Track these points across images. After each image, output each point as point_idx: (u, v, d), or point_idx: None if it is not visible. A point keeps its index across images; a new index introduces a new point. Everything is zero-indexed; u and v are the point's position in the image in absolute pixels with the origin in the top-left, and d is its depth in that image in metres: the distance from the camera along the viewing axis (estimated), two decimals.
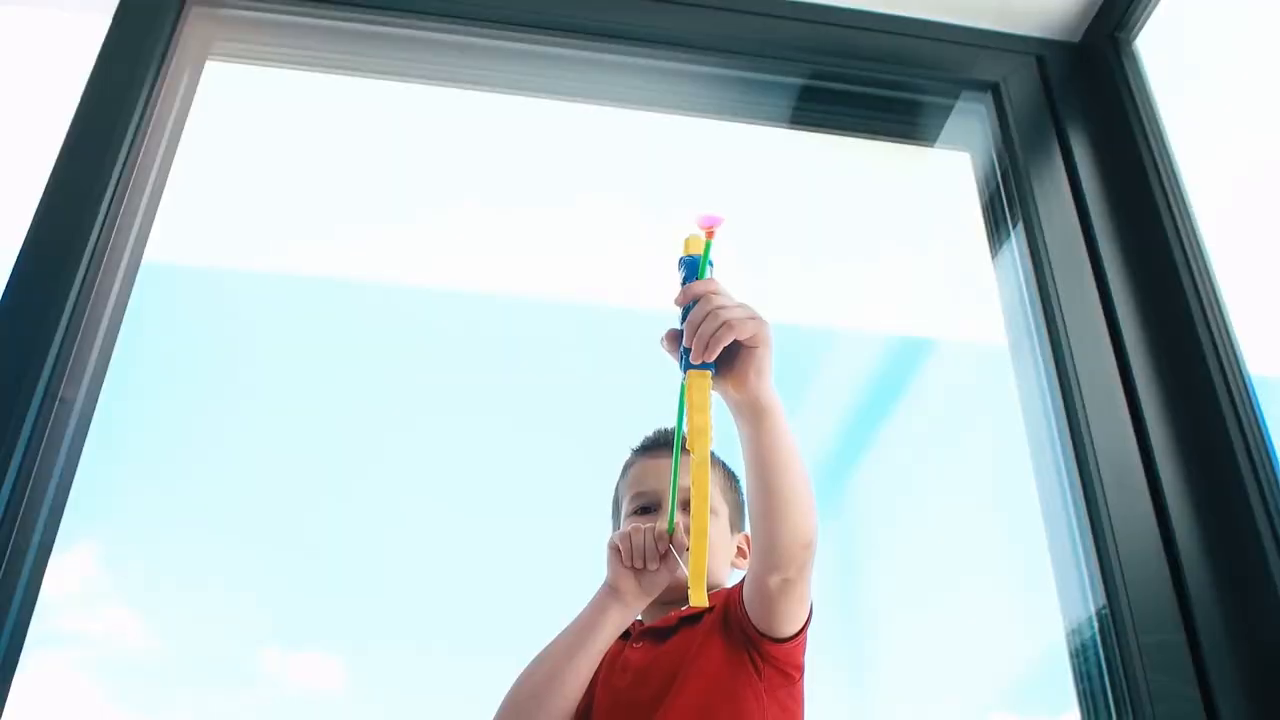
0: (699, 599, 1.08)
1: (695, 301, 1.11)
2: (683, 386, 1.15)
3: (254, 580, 2.56)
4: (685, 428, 1.10)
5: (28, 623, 1.42)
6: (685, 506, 1.43)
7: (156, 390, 2.22)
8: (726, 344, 1.09)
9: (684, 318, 1.12)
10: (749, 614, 1.28)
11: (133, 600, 2.51)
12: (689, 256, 1.16)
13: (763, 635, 1.27)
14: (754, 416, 1.14)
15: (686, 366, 1.11)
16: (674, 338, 1.13)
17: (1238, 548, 1.54)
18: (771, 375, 1.13)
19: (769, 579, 1.21)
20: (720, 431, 1.13)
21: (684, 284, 1.14)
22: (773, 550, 1.19)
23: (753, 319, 1.10)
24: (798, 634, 1.27)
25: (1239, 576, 1.52)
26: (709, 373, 1.11)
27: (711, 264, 1.15)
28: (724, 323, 1.08)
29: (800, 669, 1.31)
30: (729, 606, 1.34)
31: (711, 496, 1.45)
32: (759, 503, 1.18)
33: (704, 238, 1.16)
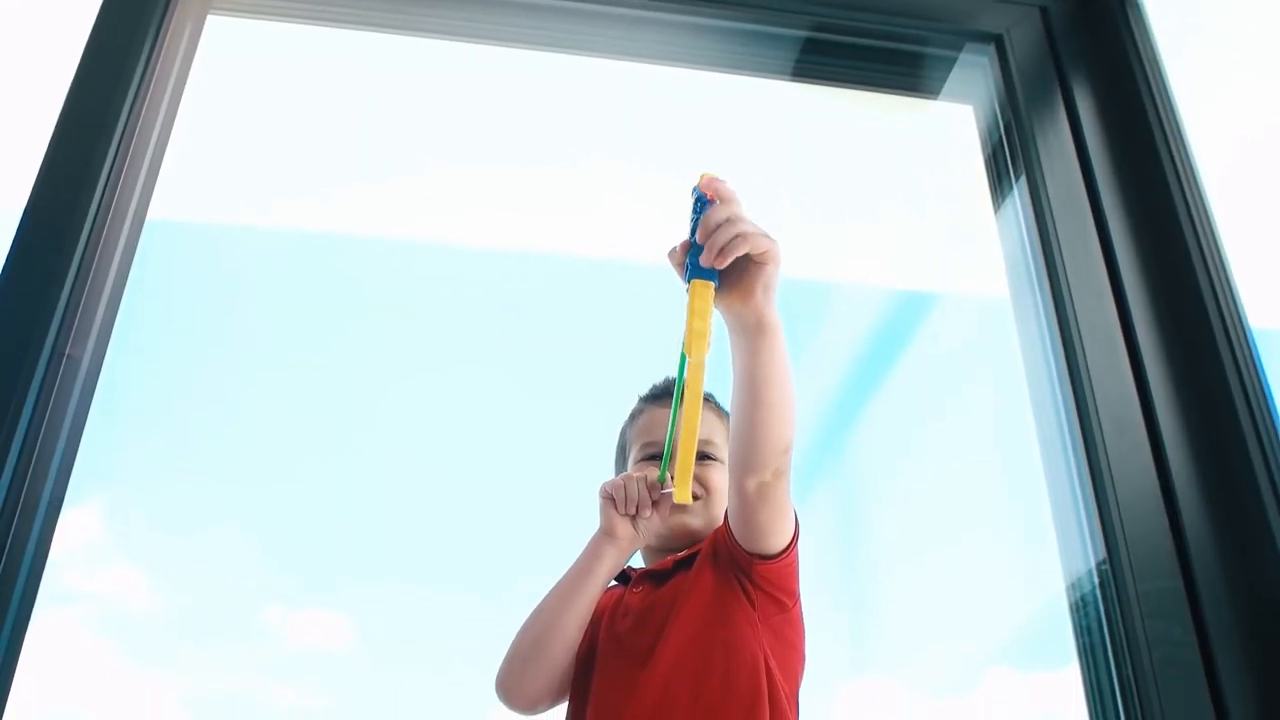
0: (684, 497, 1.11)
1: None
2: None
3: (258, 538, 2.57)
4: (685, 333, 1.12)
5: (39, 580, 1.43)
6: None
7: (160, 348, 2.22)
8: (739, 254, 1.11)
9: (694, 235, 1.15)
10: (734, 533, 1.30)
11: (138, 558, 2.52)
12: (700, 191, 1.18)
13: (751, 555, 1.29)
14: (755, 333, 1.17)
15: (691, 276, 1.13)
16: (686, 248, 1.15)
17: (1236, 498, 1.55)
18: (776, 294, 1.16)
19: (747, 482, 1.23)
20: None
21: (695, 213, 1.16)
22: (752, 454, 1.22)
23: (766, 236, 1.12)
24: (785, 552, 1.29)
25: (1237, 526, 1.54)
26: (712, 284, 1.13)
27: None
28: (739, 234, 1.10)
29: (793, 595, 1.33)
30: (717, 537, 1.36)
31: (719, 447, 1.48)
32: (746, 412, 1.21)
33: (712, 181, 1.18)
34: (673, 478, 1.43)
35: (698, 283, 1.13)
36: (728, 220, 1.11)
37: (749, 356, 1.18)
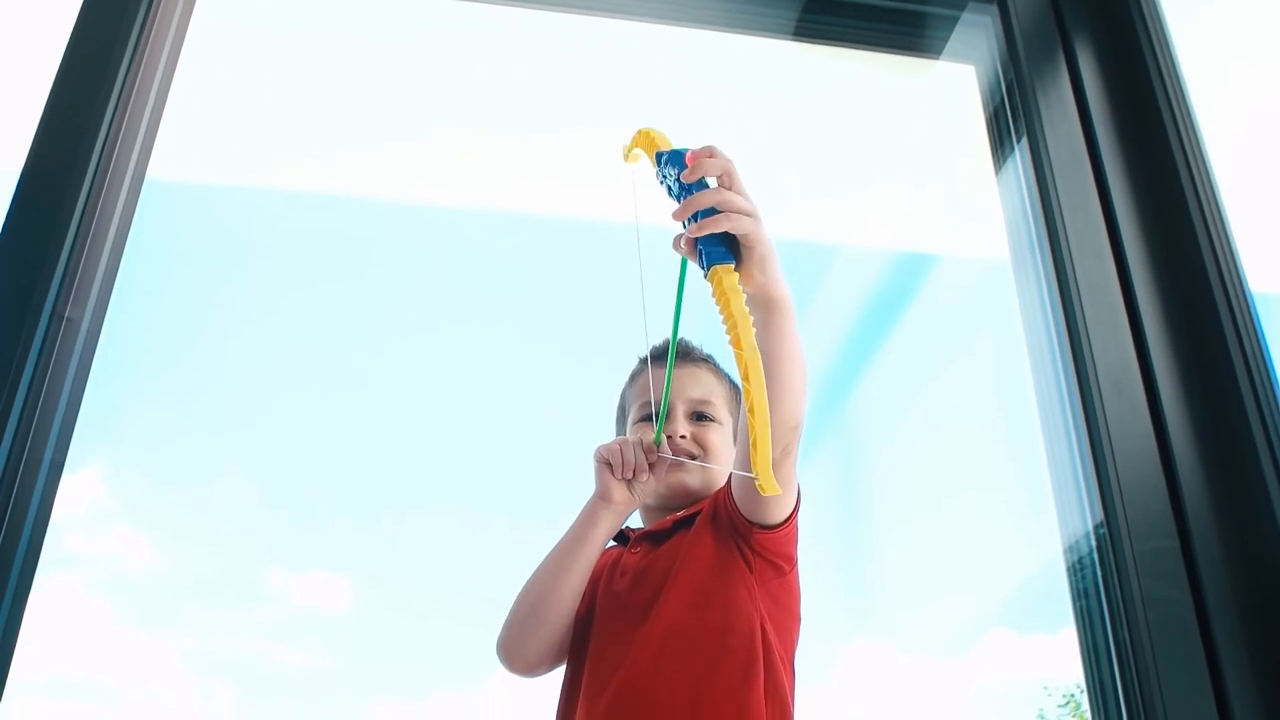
0: (771, 488, 1.06)
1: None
2: (679, 290, 1.22)
3: (260, 500, 2.58)
4: (725, 324, 1.10)
5: (41, 542, 1.44)
6: (691, 416, 1.47)
7: (160, 309, 2.22)
8: (715, 231, 1.11)
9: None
10: (737, 503, 1.31)
11: (140, 521, 2.53)
12: (669, 153, 1.17)
13: (751, 524, 1.30)
14: (764, 309, 1.17)
15: (709, 264, 1.12)
16: (691, 240, 1.15)
17: (1234, 460, 1.55)
18: (776, 269, 1.16)
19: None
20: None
21: (680, 187, 1.15)
22: None
23: (752, 218, 1.13)
24: (785, 522, 1.30)
25: (1234, 487, 1.54)
26: (731, 265, 1.12)
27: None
28: (727, 212, 1.11)
29: (791, 560, 1.34)
30: (717, 502, 1.37)
31: (717, 408, 1.48)
32: None
33: (659, 135, 1.20)
34: (668, 437, 1.44)
35: (720, 268, 1.11)
36: (711, 196, 1.12)
37: (760, 331, 1.18)
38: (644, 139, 1.22)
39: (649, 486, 1.41)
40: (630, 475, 1.39)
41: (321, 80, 2.19)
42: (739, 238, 1.13)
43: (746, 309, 1.09)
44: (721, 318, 1.10)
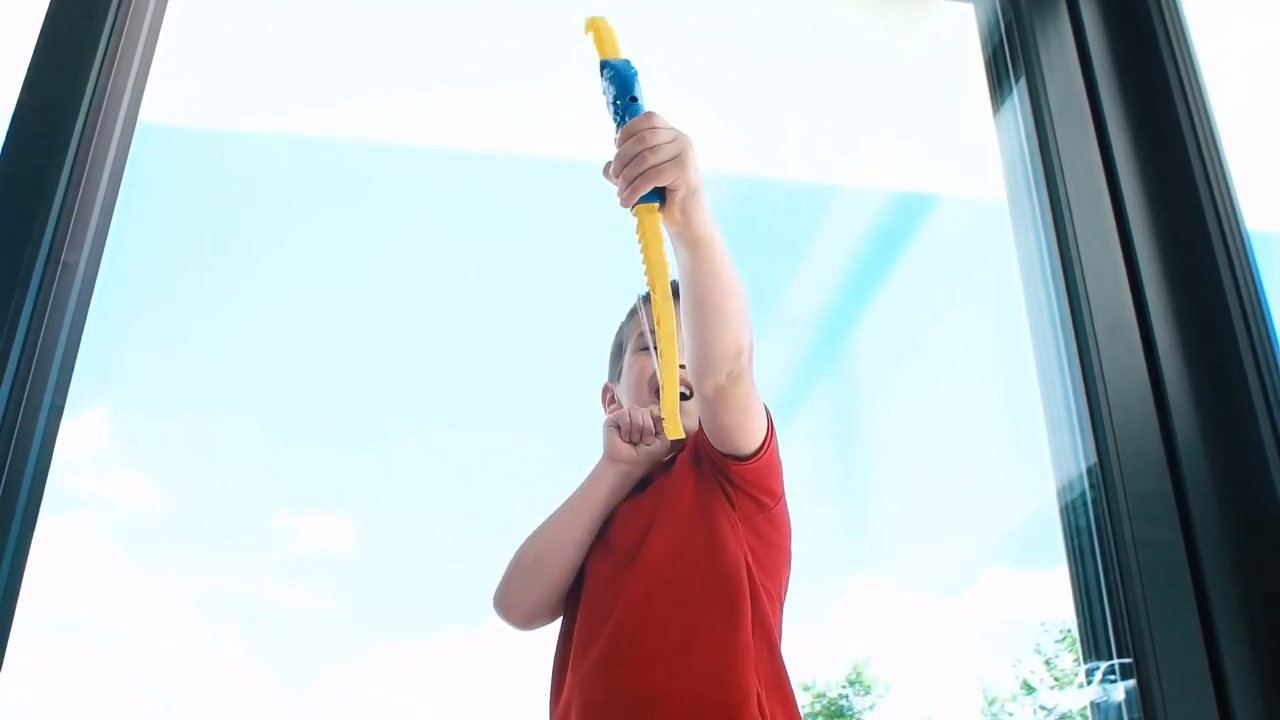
0: (675, 433, 1.11)
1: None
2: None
3: (262, 442, 2.60)
4: (644, 266, 1.11)
5: (43, 486, 1.45)
6: None
7: (158, 253, 2.22)
8: (645, 191, 1.10)
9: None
10: (708, 436, 1.32)
11: (144, 463, 2.55)
12: (612, 63, 1.13)
13: (726, 456, 1.31)
14: (690, 246, 1.17)
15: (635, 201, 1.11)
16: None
17: (1227, 402, 1.56)
18: (701, 210, 1.14)
19: (705, 386, 1.25)
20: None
21: (614, 99, 1.12)
22: (704, 359, 1.23)
23: (672, 162, 1.10)
24: (760, 452, 1.31)
25: (1227, 430, 1.55)
26: (656, 205, 1.11)
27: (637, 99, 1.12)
28: (647, 170, 1.09)
29: (774, 495, 1.35)
30: (697, 440, 1.38)
31: None
32: (692, 319, 1.22)
33: (607, 33, 1.14)
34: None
35: (642, 209, 1.11)
36: (637, 156, 1.09)
37: (686, 265, 1.19)
38: (594, 31, 1.15)
39: (654, 450, 1.43)
40: (638, 438, 1.41)
41: (312, 22, 2.18)
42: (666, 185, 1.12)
43: (664, 253, 1.09)
44: (643, 260, 1.10)
